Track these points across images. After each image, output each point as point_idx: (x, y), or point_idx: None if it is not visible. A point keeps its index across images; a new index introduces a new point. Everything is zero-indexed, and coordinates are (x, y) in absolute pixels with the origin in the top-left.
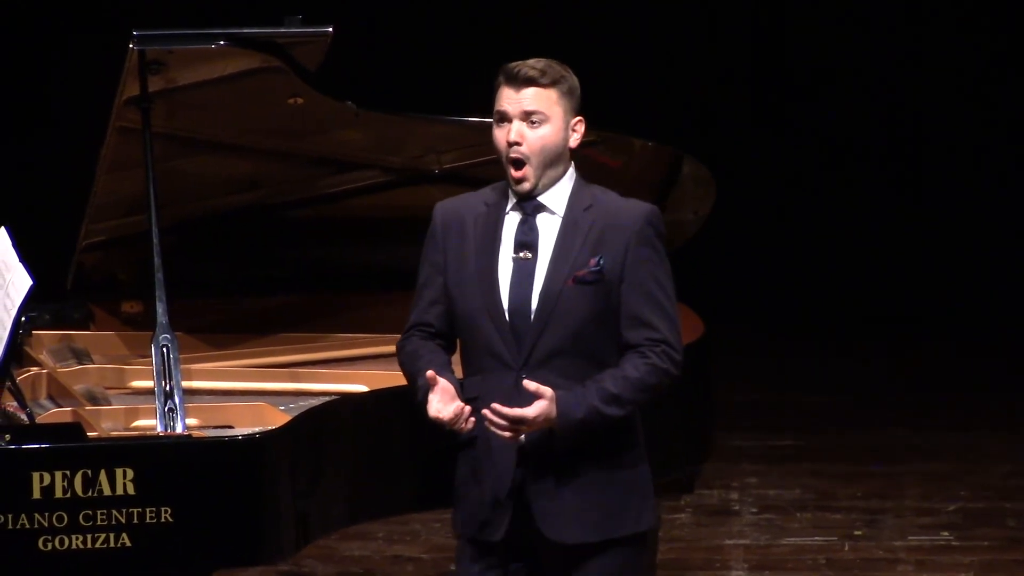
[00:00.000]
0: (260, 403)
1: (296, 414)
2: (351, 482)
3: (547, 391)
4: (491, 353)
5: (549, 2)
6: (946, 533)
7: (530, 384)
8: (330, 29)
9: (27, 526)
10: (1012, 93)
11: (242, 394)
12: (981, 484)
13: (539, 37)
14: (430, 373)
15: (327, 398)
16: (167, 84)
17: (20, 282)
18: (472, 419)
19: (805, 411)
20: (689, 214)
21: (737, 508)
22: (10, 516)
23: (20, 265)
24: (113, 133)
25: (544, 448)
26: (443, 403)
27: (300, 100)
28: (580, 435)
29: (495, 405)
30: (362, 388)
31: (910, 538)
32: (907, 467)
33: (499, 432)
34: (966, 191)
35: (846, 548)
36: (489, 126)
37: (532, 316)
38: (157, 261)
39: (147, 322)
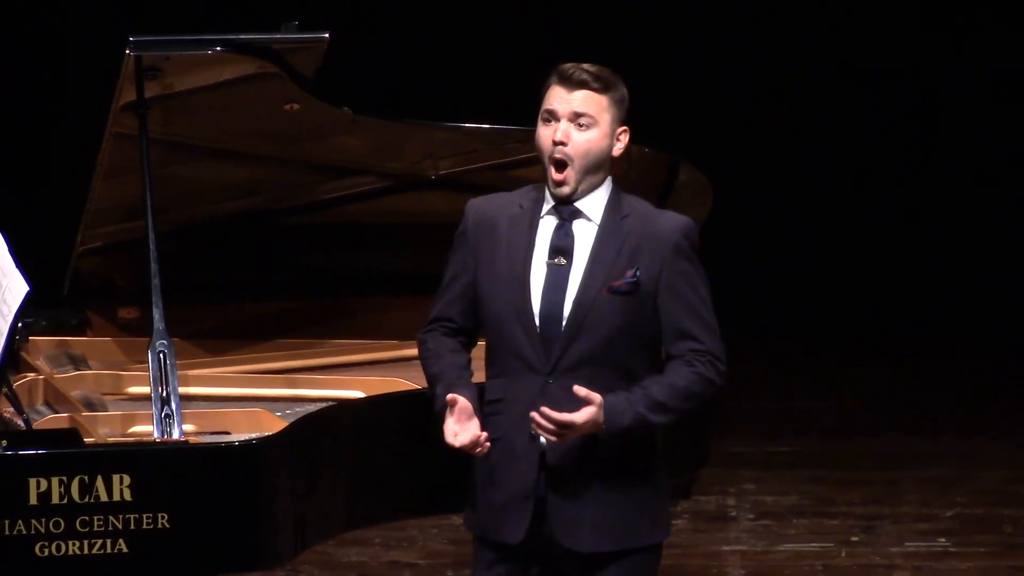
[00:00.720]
0: (257, 409)
1: (293, 420)
2: (348, 488)
3: (596, 397)
4: (518, 357)
5: (548, 8)
6: (943, 539)
7: (580, 390)
8: (326, 35)
9: (24, 532)
10: (1014, 97)
11: (239, 400)
12: (978, 490)
13: (537, 42)
14: (450, 396)
15: (324, 404)
16: (164, 90)
17: (17, 288)
18: (488, 444)
19: (802, 417)
20: None
21: (734, 514)
22: (7, 522)
23: (17, 271)
24: (110, 139)
25: (565, 455)
26: (460, 425)
27: (297, 106)
28: (624, 440)
29: (544, 409)
30: (359, 394)
31: (907, 544)
32: (904, 473)
33: (545, 434)
34: (967, 197)
35: (843, 554)
36: (485, 133)
37: (564, 323)
38: (154, 267)
39: (144, 328)
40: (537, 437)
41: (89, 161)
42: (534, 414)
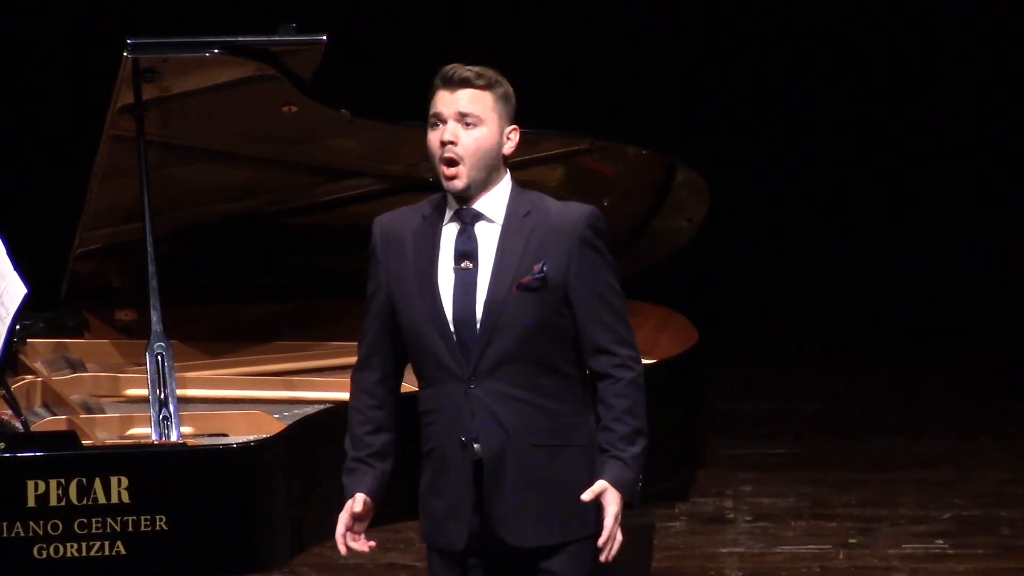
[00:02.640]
0: (255, 411)
1: (291, 422)
2: None
3: (600, 486)
4: (440, 366)
5: (543, 10)
6: (940, 541)
7: (586, 495)
8: (324, 37)
9: (22, 534)
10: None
11: (237, 402)
12: (975, 492)
13: (534, 44)
14: (359, 496)
15: (322, 406)
16: (161, 92)
17: (15, 290)
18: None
19: (799, 419)
20: (683, 222)
21: (732, 516)
22: (5, 524)
23: (15, 273)
24: (107, 141)
25: (499, 456)
26: (347, 526)
27: (294, 108)
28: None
29: (600, 543)
30: None
31: (904, 546)
32: (902, 475)
33: (615, 549)
34: (966, 199)
35: (840, 556)
36: None
37: (478, 326)
38: (152, 269)
39: (142, 330)
40: (469, 442)
41: (87, 163)
42: (602, 557)
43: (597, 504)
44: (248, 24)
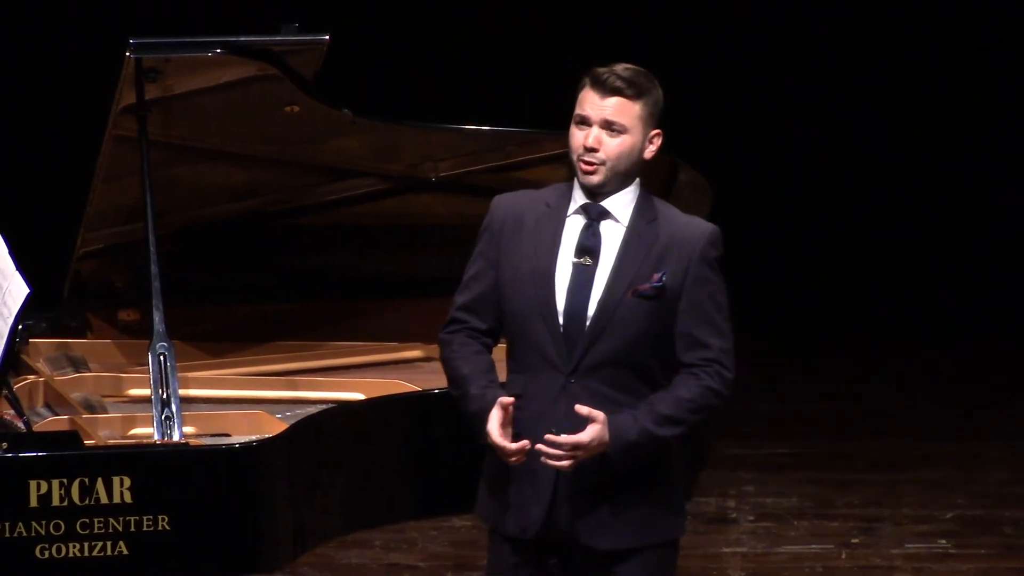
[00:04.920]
0: (257, 411)
1: (293, 422)
2: (348, 490)
3: (599, 415)
4: (540, 354)
5: (545, 10)
6: (943, 541)
7: (581, 409)
8: (326, 37)
9: (24, 534)
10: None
11: (239, 402)
12: (978, 492)
13: (537, 45)
14: (504, 400)
15: (324, 406)
16: (164, 92)
17: (17, 290)
18: (525, 441)
19: (802, 419)
20: None
21: (734, 516)
22: (7, 524)
23: (17, 273)
24: (110, 141)
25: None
26: (501, 432)
27: (296, 108)
28: (634, 458)
29: (549, 436)
30: (359, 396)
31: (907, 546)
32: (904, 475)
33: (556, 463)
34: (965, 200)
35: (843, 556)
36: (485, 135)
37: (587, 323)
38: (154, 269)
39: (144, 330)
40: (558, 434)
41: (89, 163)
42: (540, 446)
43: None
44: (250, 24)
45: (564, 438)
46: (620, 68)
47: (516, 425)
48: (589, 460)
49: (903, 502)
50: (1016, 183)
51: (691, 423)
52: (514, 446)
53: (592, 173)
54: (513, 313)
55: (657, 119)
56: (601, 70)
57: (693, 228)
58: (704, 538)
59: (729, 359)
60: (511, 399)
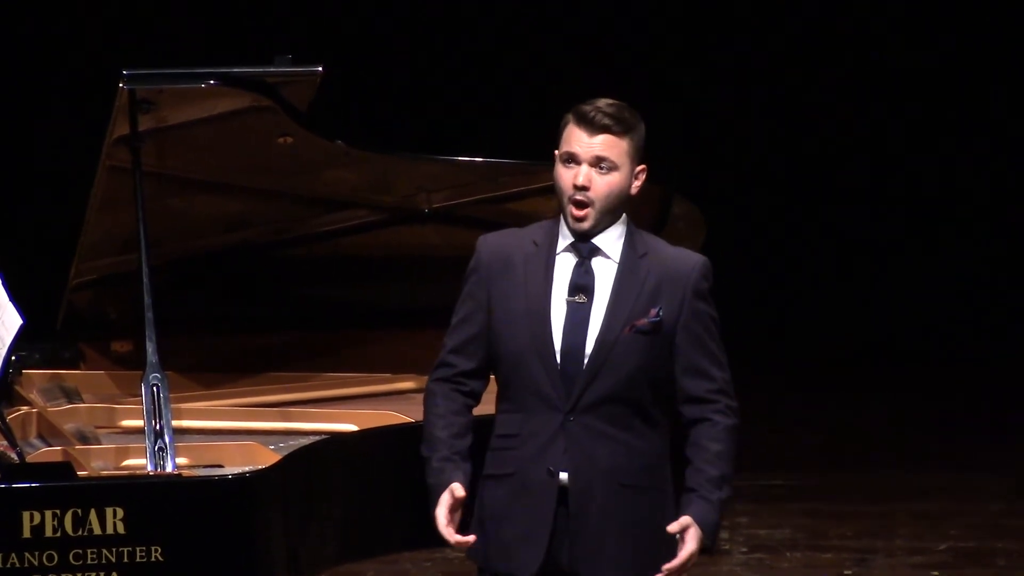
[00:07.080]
0: (250, 442)
1: (286, 453)
2: (341, 521)
3: (685, 519)
4: (537, 394)
5: (539, 42)
6: (936, 572)
7: (672, 527)
8: (320, 68)
9: (17, 565)
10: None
11: (232, 433)
12: (972, 523)
13: (529, 78)
14: (454, 486)
15: (317, 437)
16: (157, 123)
17: (11, 321)
18: (472, 536)
19: (796, 450)
20: None
21: (728, 547)
22: (0, 555)
23: (10, 304)
24: (103, 172)
25: (585, 489)
26: (449, 517)
27: (290, 139)
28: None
29: (666, 567)
30: (352, 427)
31: None
32: (897, 506)
33: None
34: (963, 228)
35: None
36: (478, 166)
37: (585, 361)
38: (148, 300)
39: (137, 361)
40: (556, 472)
41: (83, 194)
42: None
43: (672, 543)
44: (244, 55)
45: (677, 561)
46: (603, 104)
47: (509, 464)
48: (584, 498)
49: (897, 533)
50: (1012, 211)
51: (733, 470)
52: (458, 539)
53: (583, 219)
54: (508, 354)
55: (642, 154)
56: (586, 107)
57: (683, 261)
58: (698, 569)
59: (731, 387)
60: (463, 493)
